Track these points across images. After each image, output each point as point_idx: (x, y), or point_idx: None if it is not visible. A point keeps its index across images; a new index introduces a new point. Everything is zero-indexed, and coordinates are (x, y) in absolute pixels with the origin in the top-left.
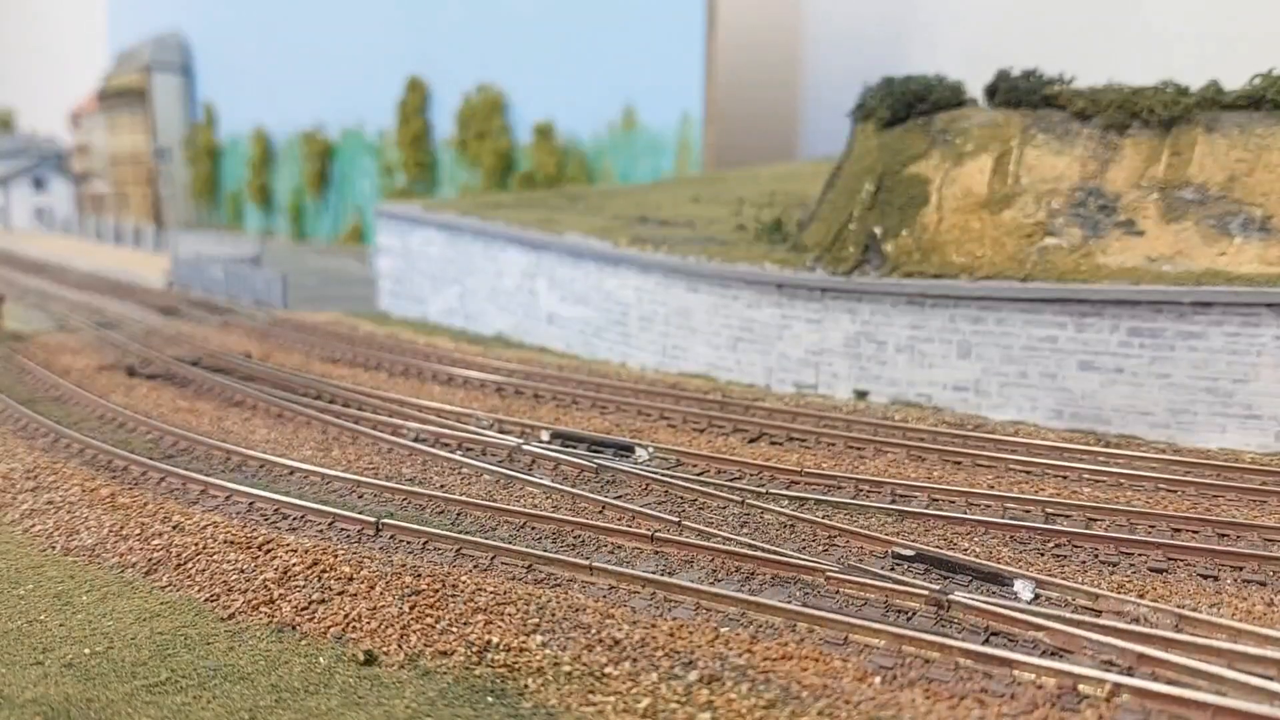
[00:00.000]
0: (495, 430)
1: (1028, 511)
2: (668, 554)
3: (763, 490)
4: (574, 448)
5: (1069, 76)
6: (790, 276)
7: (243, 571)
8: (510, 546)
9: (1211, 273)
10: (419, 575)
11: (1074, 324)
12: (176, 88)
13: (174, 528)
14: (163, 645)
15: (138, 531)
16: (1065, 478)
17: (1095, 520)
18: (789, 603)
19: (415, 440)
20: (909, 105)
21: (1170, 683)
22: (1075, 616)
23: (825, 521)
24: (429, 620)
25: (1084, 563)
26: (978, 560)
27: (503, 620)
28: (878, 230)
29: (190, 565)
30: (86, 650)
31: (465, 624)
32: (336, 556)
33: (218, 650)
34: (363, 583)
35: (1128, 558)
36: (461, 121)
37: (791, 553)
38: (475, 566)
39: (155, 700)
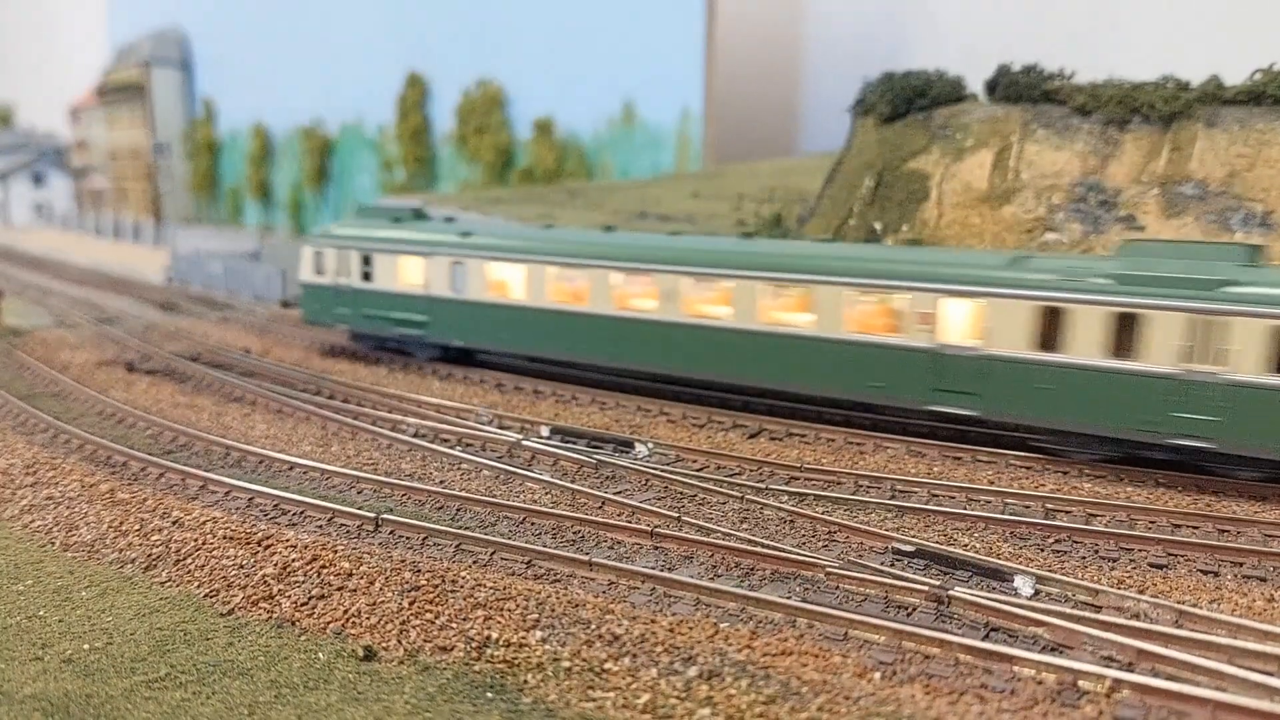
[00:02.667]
0: (495, 426)
1: (1028, 507)
2: (667, 549)
3: (762, 486)
4: (573, 443)
5: (1069, 71)
6: None
7: (242, 567)
8: (510, 542)
9: None
10: (418, 571)
11: None
12: (176, 83)
13: (173, 523)
14: (162, 641)
15: (137, 527)
16: (1065, 473)
17: (1095, 516)
18: (789, 598)
19: (415, 436)
20: (909, 100)
21: (1170, 678)
22: (1075, 612)
23: (825, 517)
24: (428, 616)
25: (1084, 558)
26: (978, 556)
27: (502, 616)
28: (878, 225)
29: (190, 561)
30: (86, 646)
31: (465, 619)
32: (336, 552)
33: (217, 646)
34: (362, 578)
35: (1128, 554)
36: (461, 117)
37: (791, 548)
38: (475, 562)
39: (154, 696)
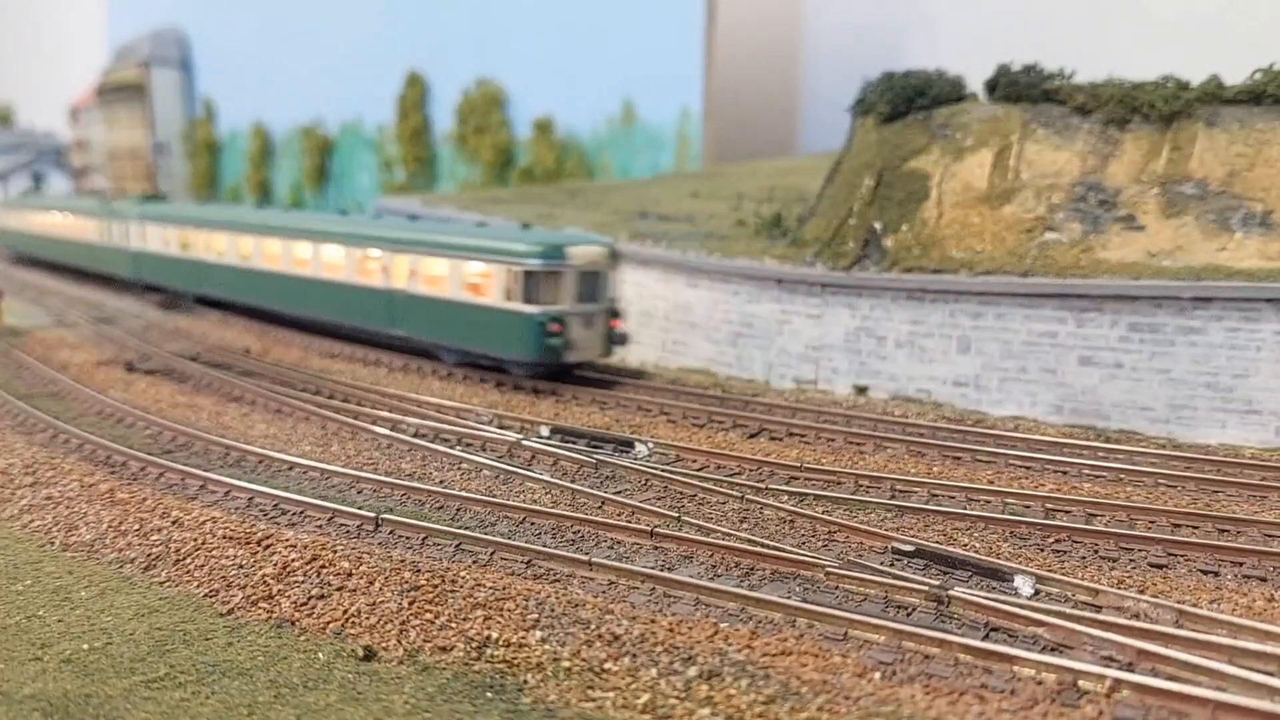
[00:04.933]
0: (495, 426)
1: (1027, 507)
2: (667, 549)
3: (762, 486)
4: (573, 443)
5: (1069, 71)
6: (790, 271)
7: (242, 567)
8: (509, 542)
9: (1212, 268)
10: (418, 570)
11: (1074, 319)
12: (175, 82)
13: (173, 523)
14: (161, 641)
15: (136, 527)
16: (1065, 473)
17: (1095, 516)
18: (789, 598)
19: (415, 436)
20: (909, 100)
21: (1171, 678)
22: (1075, 612)
23: (825, 517)
24: (428, 616)
25: (1084, 558)
26: (977, 556)
27: (502, 616)
28: (878, 225)
29: (189, 560)
30: (85, 646)
31: (464, 619)
32: (336, 552)
33: (216, 646)
34: (362, 578)
35: (1128, 553)
36: (461, 116)
37: (791, 548)
38: (474, 562)
39: (154, 696)
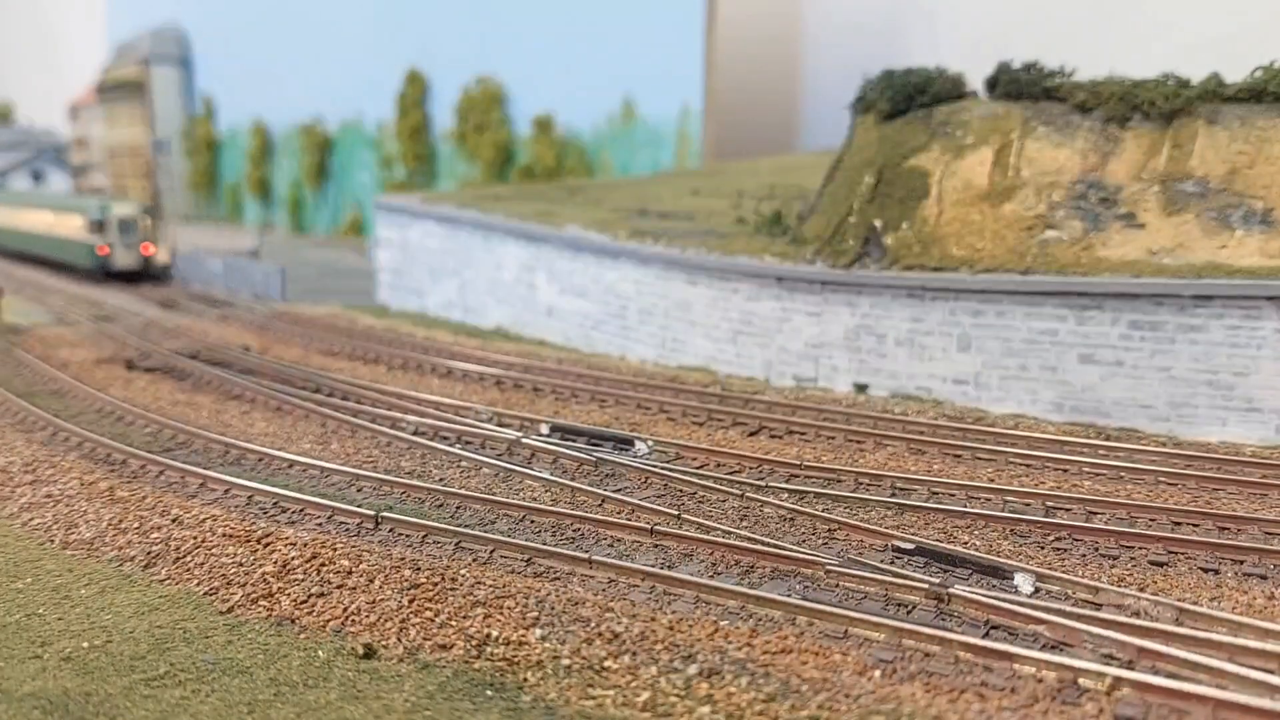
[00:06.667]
0: (494, 423)
1: (1028, 505)
2: (667, 547)
3: (762, 483)
4: (573, 441)
5: (1070, 69)
6: (790, 269)
7: (241, 565)
8: (509, 540)
9: (1212, 266)
10: (418, 569)
11: (1074, 317)
12: (175, 80)
13: (173, 521)
14: (161, 639)
15: (136, 525)
16: (1065, 471)
17: (1095, 514)
18: (789, 596)
19: (414, 434)
20: (909, 97)
21: (1171, 676)
22: (1076, 610)
23: (825, 515)
24: (428, 614)
25: (1084, 556)
26: (978, 553)
27: (502, 614)
28: (878, 223)
29: (189, 559)
30: (85, 644)
31: (464, 617)
32: (336, 550)
33: (216, 644)
34: (362, 576)
35: (1128, 551)
36: (460, 114)
37: (791, 546)
38: (474, 560)
39: (154, 694)
